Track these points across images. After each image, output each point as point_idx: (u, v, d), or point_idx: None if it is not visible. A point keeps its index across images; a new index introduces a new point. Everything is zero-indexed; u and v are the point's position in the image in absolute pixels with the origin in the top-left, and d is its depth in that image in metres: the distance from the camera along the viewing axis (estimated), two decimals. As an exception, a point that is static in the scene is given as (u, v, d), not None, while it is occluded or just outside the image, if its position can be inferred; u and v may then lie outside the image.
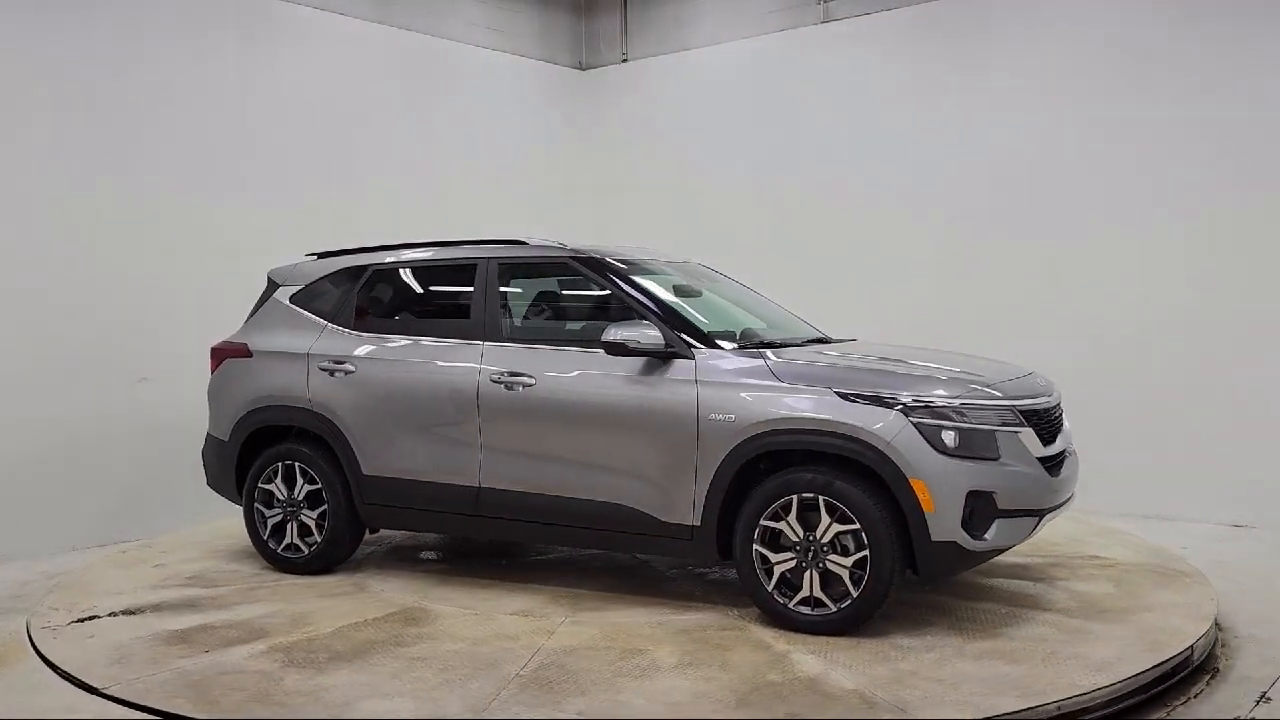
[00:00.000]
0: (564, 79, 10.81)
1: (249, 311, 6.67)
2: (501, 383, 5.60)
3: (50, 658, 4.80)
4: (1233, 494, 7.58)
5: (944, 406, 4.82)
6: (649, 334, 5.24)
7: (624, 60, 10.71)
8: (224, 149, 8.14)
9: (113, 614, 5.41)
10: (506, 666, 4.53)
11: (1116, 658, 4.54)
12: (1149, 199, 7.89)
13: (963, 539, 4.73)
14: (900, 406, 4.80)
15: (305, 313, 6.36)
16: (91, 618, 5.35)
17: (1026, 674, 4.37)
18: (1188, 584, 5.75)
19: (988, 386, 5.02)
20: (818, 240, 9.37)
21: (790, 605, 4.93)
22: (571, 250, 5.84)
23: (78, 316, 7.36)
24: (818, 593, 4.87)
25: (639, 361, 5.33)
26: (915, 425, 4.76)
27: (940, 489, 4.70)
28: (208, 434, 6.62)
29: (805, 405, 4.93)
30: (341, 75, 8.97)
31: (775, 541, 4.98)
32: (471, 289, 5.95)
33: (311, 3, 8.72)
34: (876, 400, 4.84)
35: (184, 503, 7.44)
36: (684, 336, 5.32)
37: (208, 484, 6.69)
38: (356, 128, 9.04)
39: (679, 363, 5.26)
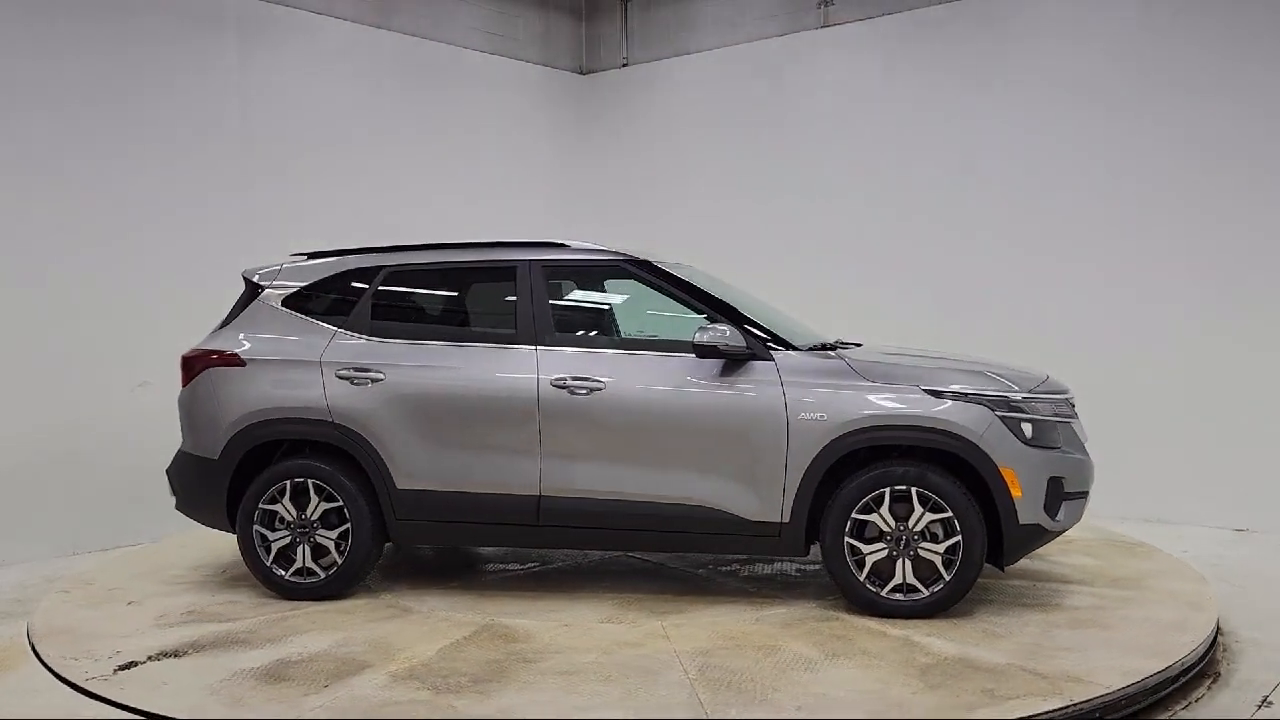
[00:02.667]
0: (565, 83, 10.70)
1: (225, 316, 6.06)
2: (565, 387, 5.47)
3: (145, 708, 4.21)
4: (1234, 498, 7.67)
5: (1020, 400, 5.25)
6: (734, 336, 5.32)
7: (624, 65, 10.58)
8: (225, 152, 8.18)
9: (152, 658, 4.80)
10: (668, 673, 4.47)
11: (1179, 618, 5.14)
12: (1152, 204, 8.00)
13: (1044, 520, 5.19)
14: (986, 401, 5.19)
15: (306, 317, 5.88)
16: (132, 664, 4.72)
17: (1129, 638, 4.86)
18: (1146, 551, 6.58)
19: (1041, 382, 5.51)
20: (818, 244, 9.43)
21: (883, 593, 5.18)
22: (626, 254, 5.79)
23: (78, 320, 7.37)
24: (910, 579, 5.16)
25: (715, 364, 5.39)
26: (1001, 419, 5.16)
27: (1025, 476, 5.13)
28: (181, 452, 5.95)
29: (901, 403, 5.19)
30: (342, 80, 8.98)
31: (862, 533, 5.22)
32: (510, 292, 5.76)
33: (312, 7, 8.63)
34: (963, 396, 5.19)
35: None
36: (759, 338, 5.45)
37: (177, 507, 6.00)
38: (357, 132, 9.02)
39: (758, 364, 5.37)
